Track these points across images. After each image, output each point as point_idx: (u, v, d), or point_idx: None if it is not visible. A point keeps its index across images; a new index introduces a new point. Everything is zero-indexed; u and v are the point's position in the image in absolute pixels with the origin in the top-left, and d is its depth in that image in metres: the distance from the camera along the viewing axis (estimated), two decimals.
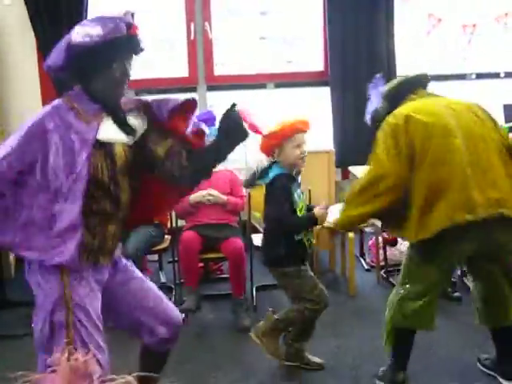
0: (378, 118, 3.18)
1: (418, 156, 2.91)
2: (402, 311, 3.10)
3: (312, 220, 3.29)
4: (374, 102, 3.32)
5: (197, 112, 2.53)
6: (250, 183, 3.51)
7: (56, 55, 2.29)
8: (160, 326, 2.63)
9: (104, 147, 2.37)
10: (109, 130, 2.39)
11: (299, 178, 3.44)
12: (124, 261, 2.67)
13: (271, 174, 3.32)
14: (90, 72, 2.33)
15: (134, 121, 2.46)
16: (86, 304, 2.35)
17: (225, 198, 4.34)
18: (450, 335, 3.80)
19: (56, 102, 2.39)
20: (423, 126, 2.94)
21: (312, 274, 3.44)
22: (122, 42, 2.31)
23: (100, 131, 2.35)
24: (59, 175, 2.26)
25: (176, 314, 2.72)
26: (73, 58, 2.27)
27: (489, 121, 3.09)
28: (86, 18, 5.36)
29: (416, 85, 3.24)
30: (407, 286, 3.11)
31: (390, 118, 3.05)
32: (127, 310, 2.60)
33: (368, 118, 3.40)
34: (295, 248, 3.32)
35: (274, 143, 3.30)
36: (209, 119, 4.26)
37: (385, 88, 3.28)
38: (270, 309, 3.51)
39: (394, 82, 3.31)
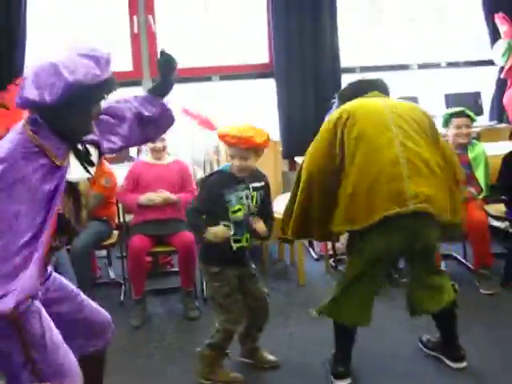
0: None
1: (352, 147, 2.99)
2: (335, 304, 3.21)
3: (198, 232, 3.25)
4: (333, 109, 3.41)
5: None
6: None
7: (48, 92, 2.11)
8: (94, 338, 2.61)
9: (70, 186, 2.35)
10: (73, 169, 2.34)
11: (256, 184, 3.27)
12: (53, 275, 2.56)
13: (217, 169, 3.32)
14: (75, 110, 2.21)
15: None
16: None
17: (174, 197, 4.29)
18: (396, 320, 3.88)
19: (20, 139, 2.20)
20: (361, 119, 3.03)
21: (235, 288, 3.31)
22: (110, 81, 2.25)
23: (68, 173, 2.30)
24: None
25: (107, 322, 2.66)
26: (67, 96, 2.12)
27: (428, 127, 3.16)
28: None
29: (369, 87, 3.30)
30: (341, 278, 3.27)
31: (333, 113, 3.16)
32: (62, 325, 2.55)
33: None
34: (215, 248, 3.21)
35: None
36: None
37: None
38: (198, 349, 3.39)
39: (350, 83, 3.40)
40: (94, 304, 2.64)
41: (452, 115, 4.58)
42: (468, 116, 4.55)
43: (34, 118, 2.24)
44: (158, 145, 4.31)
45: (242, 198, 3.20)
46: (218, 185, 3.20)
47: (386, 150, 2.96)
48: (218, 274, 3.26)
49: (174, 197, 4.29)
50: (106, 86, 2.25)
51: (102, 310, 2.67)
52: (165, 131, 2.70)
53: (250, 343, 3.52)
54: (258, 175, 3.30)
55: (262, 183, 3.29)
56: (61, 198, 2.25)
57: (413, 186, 2.92)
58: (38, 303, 2.25)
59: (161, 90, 2.59)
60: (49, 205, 2.18)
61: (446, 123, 4.60)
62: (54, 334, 2.28)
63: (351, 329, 3.23)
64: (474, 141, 4.72)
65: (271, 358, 3.52)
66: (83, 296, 2.61)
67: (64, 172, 2.26)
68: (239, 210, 3.20)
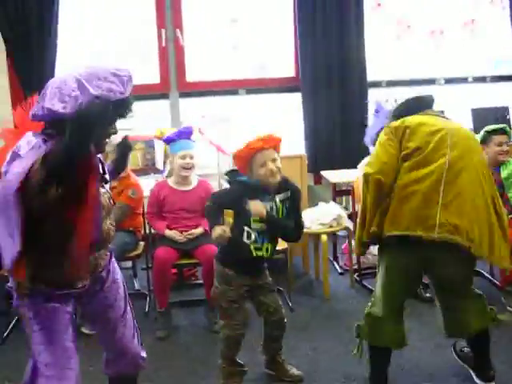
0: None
1: (406, 157, 2.95)
2: (369, 327, 3.14)
3: (210, 228, 3.25)
4: (377, 125, 3.39)
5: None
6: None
7: (72, 104, 2.13)
8: (122, 362, 2.73)
9: None
10: None
11: (283, 195, 3.28)
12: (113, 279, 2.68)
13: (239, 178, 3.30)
14: (96, 126, 2.21)
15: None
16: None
17: (200, 230, 4.29)
18: (422, 336, 3.84)
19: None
20: (420, 134, 2.97)
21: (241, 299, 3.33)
22: (129, 100, 2.30)
23: None
24: None
25: (139, 355, 2.77)
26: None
27: (479, 155, 3.09)
28: (55, 31, 5.39)
29: (425, 105, 3.22)
30: (372, 299, 3.18)
31: (392, 123, 3.09)
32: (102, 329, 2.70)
33: (367, 140, 3.49)
34: (233, 251, 3.24)
35: (242, 165, 3.26)
36: (186, 132, 4.31)
37: (392, 107, 3.32)
38: (219, 361, 3.40)
39: (403, 101, 3.29)
40: (132, 335, 2.73)
41: (492, 132, 4.45)
42: (506, 133, 4.46)
43: (49, 133, 2.24)
44: (188, 161, 4.30)
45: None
46: (239, 193, 3.21)
47: (433, 171, 2.90)
48: (229, 278, 3.28)
49: (197, 231, 4.30)
50: (126, 104, 2.29)
51: (136, 342, 2.75)
52: None
53: (271, 354, 3.51)
54: (284, 185, 3.28)
55: (288, 193, 3.28)
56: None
57: (445, 214, 2.85)
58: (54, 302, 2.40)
59: (119, 168, 2.99)
60: None
61: (485, 140, 4.45)
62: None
63: (388, 350, 3.17)
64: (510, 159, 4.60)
65: (295, 371, 3.50)
66: (128, 317, 2.71)
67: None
68: (258, 220, 3.20)
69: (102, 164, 2.55)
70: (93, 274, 2.52)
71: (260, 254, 3.26)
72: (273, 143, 3.21)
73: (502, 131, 4.46)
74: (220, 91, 6.08)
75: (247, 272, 3.30)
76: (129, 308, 2.74)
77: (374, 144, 3.28)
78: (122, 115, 2.33)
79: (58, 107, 2.13)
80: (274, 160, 3.18)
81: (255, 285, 3.35)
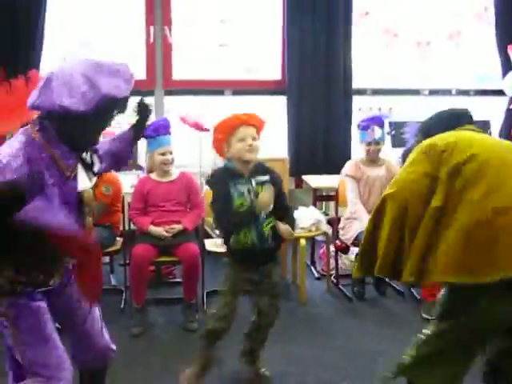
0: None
1: (465, 182, 2.37)
2: (418, 370, 2.56)
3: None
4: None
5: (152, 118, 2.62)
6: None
7: (82, 100, 2.12)
8: (92, 355, 2.69)
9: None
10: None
11: (260, 178, 3.17)
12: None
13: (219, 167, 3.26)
14: (97, 121, 2.26)
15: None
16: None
17: (179, 227, 4.28)
18: None
19: (29, 144, 2.23)
20: (477, 151, 2.43)
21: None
22: (128, 99, 2.31)
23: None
24: None
25: (108, 347, 2.74)
26: (97, 106, 2.15)
27: None
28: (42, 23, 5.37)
29: (463, 119, 2.75)
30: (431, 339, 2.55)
31: (427, 141, 2.59)
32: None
33: (399, 156, 3.30)
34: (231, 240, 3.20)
35: (220, 138, 3.18)
36: (163, 126, 4.28)
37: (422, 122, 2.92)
38: None
39: (437, 114, 2.85)
40: (100, 327, 2.69)
41: None
42: None
43: (44, 124, 2.25)
44: (168, 157, 4.31)
45: (243, 192, 3.13)
46: (223, 180, 3.15)
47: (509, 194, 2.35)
48: (228, 267, 3.26)
49: (180, 227, 4.29)
50: (126, 102, 2.30)
51: (105, 334, 2.73)
52: (117, 169, 2.89)
53: (250, 345, 3.47)
54: (261, 169, 3.21)
55: (267, 177, 3.19)
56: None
57: None
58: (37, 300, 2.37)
59: (139, 134, 2.78)
60: None
61: None
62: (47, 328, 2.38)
63: None
64: None
65: (265, 372, 3.48)
66: (95, 314, 2.67)
67: (74, 186, 2.32)
68: (241, 205, 3.12)
69: (93, 154, 2.52)
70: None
71: (249, 243, 3.15)
72: (257, 122, 3.20)
73: None
74: (206, 91, 6.08)
75: (242, 264, 3.23)
76: None
77: (403, 158, 2.82)
78: (122, 112, 2.34)
79: (69, 103, 2.12)
80: (254, 138, 3.15)
81: (253, 281, 3.27)
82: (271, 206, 3.13)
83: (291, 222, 3.28)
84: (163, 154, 4.28)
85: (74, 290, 2.56)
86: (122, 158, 2.74)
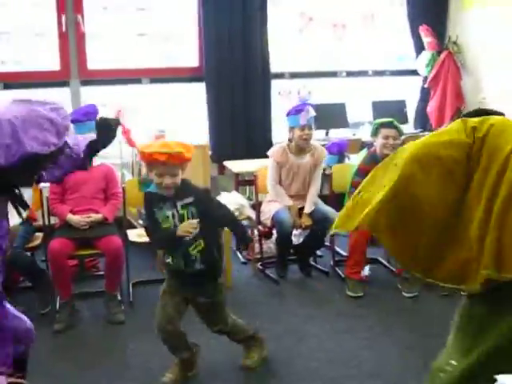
0: None
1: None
2: None
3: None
4: None
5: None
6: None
7: (3, 154, 2.04)
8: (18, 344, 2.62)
9: None
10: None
11: (185, 201, 3.12)
12: None
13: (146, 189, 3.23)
14: (22, 173, 2.17)
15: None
16: None
17: (100, 216, 4.25)
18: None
19: None
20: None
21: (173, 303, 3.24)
22: (62, 148, 2.25)
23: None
24: None
25: (30, 329, 2.68)
26: (20, 161, 2.07)
27: None
28: None
29: None
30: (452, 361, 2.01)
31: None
32: None
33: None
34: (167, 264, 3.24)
35: (144, 162, 3.20)
36: (91, 112, 4.20)
37: None
38: None
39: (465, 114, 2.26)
40: (15, 311, 2.61)
41: (381, 125, 4.56)
42: (396, 128, 4.55)
43: None
44: None
45: (168, 217, 3.11)
46: (149, 204, 3.15)
47: None
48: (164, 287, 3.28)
49: (99, 216, 4.25)
50: (58, 153, 2.23)
51: (24, 317, 2.65)
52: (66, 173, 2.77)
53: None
54: (186, 189, 3.14)
55: (191, 199, 3.12)
56: None
57: None
58: None
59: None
60: None
61: (375, 132, 4.57)
62: None
63: None
64: None
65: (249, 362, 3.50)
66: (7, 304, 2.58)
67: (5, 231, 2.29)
68: (168, 228, 3.12)
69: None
70: None
71: (176, 265, 3.17)
72: (178, 160, 3.01)
73: (392, 125, 4.56)
74: (123, 80, 5.97)
75: (179, 285, 3.24)
76: None
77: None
78: (54, 163, 2.31)
79: None
80: (173, 175, 3.04)
81: (193, 301, 3.30)
82: (196, 231, 3.10)
83: (241, 232, 3.34)
84: None
85: None
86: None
